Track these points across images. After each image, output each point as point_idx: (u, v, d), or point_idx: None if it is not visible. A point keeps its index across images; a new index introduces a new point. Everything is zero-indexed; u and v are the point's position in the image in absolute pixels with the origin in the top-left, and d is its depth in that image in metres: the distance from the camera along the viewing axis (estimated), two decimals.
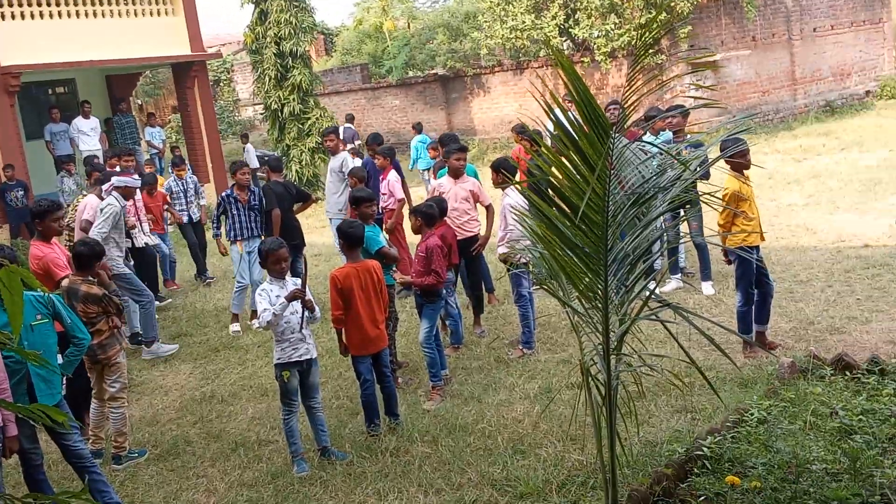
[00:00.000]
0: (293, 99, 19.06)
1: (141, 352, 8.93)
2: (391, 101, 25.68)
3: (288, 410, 5.86)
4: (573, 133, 3.32)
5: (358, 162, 11.66)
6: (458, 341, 8.00)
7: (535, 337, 7.68)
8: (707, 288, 8.64)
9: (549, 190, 3.57)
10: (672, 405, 6.04)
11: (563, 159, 3.44)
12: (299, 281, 5.82)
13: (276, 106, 19.29)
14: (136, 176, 9.53)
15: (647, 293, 3.60)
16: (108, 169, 10.91)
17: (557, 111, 3.40)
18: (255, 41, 19.37)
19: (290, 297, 5.68)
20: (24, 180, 14.33)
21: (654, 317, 3.76)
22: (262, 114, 21.68)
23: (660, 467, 4.77)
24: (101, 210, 8.42)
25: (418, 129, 17.97)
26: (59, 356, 5.50)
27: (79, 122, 16.57)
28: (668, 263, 8.98)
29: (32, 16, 15.29)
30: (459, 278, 8.43)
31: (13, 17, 15.00)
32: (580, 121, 3.34)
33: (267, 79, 19.18)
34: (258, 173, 17.23)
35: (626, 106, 3.55)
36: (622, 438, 4.28)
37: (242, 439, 6.46)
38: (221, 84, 32.51)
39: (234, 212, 9.60)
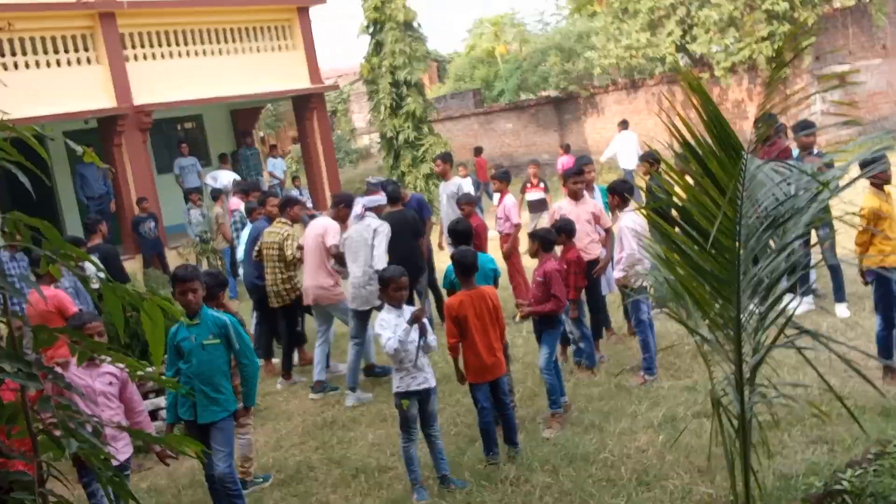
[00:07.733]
0: (408, 126, 19.41)
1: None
2: (504, 124, 25.71)
3: (407, 438, 5.85)
4: (702, 154, 3.18)
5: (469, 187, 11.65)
6: (594, 363, 7.85)
7: (656, 363, 7.43)
8: (842, 310, 8.18)
9: (674, 212, 3.43)
10: (807, 436, 5.71)
11: (690, 181, 3.30)
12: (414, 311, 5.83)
13: (391, 134, 19.69)
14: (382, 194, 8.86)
15: (784, 320, 3.40)
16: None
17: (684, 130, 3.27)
18: (371, 72, 19.84)
19: (412, 320, 5.70)
20: (154, 212, 15.04)
21: (791, 345, 3.55)
22: (377, 142, 22.14)
23: (796, 502, 4.50)
24: (376, 231, 8.08)
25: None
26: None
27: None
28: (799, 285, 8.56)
29: (162, 55, 16.12)
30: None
31: (144, 58, 15.84)
32: (709, 141, 3.20)
33: (382, 108, 19.63)
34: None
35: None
36: (755, 471, 4.05)
37: (363, 465, 6.49)
38: (338, 114, 33.39)
39: None
